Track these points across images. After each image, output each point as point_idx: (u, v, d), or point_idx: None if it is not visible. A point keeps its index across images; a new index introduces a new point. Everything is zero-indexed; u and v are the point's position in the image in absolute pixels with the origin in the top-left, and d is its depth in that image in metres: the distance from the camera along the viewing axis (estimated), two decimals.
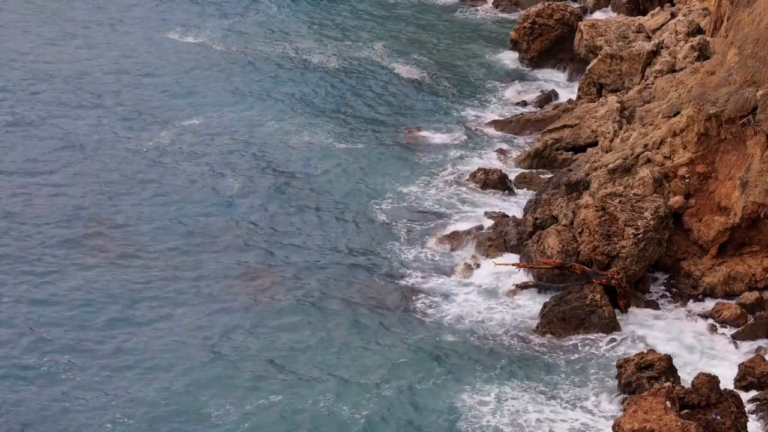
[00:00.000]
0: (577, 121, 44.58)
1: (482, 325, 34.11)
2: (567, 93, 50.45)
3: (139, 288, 35.06)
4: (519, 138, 46.38)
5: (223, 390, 30.54)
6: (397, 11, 62.22)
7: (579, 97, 48.04)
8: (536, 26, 54.33)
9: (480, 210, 40.09)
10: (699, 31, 46.30)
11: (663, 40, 46.65)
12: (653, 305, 34.99)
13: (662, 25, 48.72)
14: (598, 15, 57.29)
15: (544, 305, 34.51)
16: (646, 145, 38.06)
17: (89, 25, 57.61)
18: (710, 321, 34.09)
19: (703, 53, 43.48)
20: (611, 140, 41.22)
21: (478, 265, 36.67)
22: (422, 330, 33.64)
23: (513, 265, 36.18)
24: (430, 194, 41.43)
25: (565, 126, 44.73)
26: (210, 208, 40.08)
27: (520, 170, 43.51)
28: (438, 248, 37.89)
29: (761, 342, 32.98)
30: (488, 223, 38.98)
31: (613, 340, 33.40)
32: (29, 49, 53.90)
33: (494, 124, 47.56)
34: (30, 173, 41.81)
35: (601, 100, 45.68)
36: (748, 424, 28.50)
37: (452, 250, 37.75)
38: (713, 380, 28.53)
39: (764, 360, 31.28)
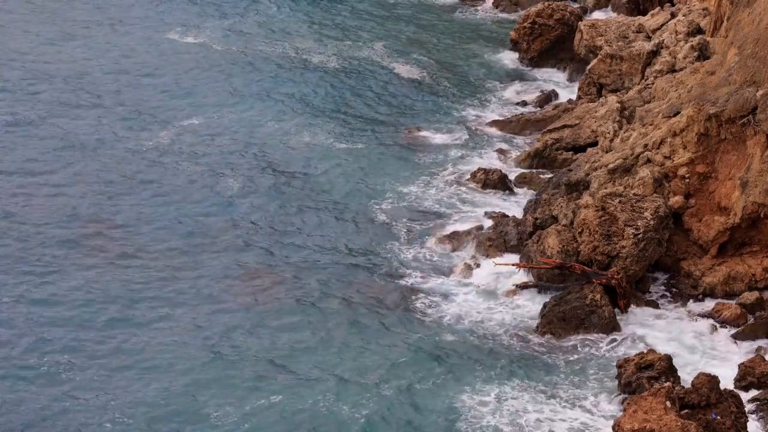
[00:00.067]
0: (577, 121, 44.59)
1: (482, 325, 34.11)
2: (567, 93, 50.46)
3: (139, 288, 35.05)
4: (519, 138, 46.39)
5: (222, 390, 30.53)
6: (397, 11, 62.23)
7: (579, 97, 48.05)
8: (536, 26, 54.34)
9: (480, 210, 40.09)
10: (699, 31, 46.30)
11: (663, 40, 46.65)
12: (653, 305, 34.99)
13: (662, 25, 48.72)
14: (598, 15, 57.29)
15: (544, 305, 34.50)
16: (646, 145, 38.06)
17: (89, 25, 57.61)
18: (710, 321, 34.09)
19: (703, 53, 43.49)
20: (611, 140, 41.22)
21: (478, 265, 36.67)
22: (422, 330, 33.64)
23: (513, 265, 36.17)
24: (430, 194, 41.43)
25: (565, 126, 44.73)
26: (210, 208, 40.08)
27: (520, 170, 43.51)
28: (438, 248, 37.88)
29: (761, 342, 32.98)
30: (488, 223, 38.97)
31: (613, 340, 33.39)
32: (29, 49, 53.90)
33: (494, 124, 47.56)
34: (30, 173, 41.80)
35: (601, 100, 45.68)
36: (748, 424, 28.51)
37: (452, 250, 37.74)
38: (713, 380, 28.53)
39: (764, 360, 31.28)
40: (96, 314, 33.63)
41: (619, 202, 35.93)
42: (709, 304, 34.83)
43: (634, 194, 36.49)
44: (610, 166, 38.23)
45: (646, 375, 30.27)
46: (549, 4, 54.98)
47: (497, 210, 39.86)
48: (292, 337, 33.11)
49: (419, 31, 58.99)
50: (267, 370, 31.51)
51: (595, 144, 42.64)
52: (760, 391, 30.38)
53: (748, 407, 29.39)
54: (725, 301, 34.79)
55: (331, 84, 51.40)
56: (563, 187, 39.05)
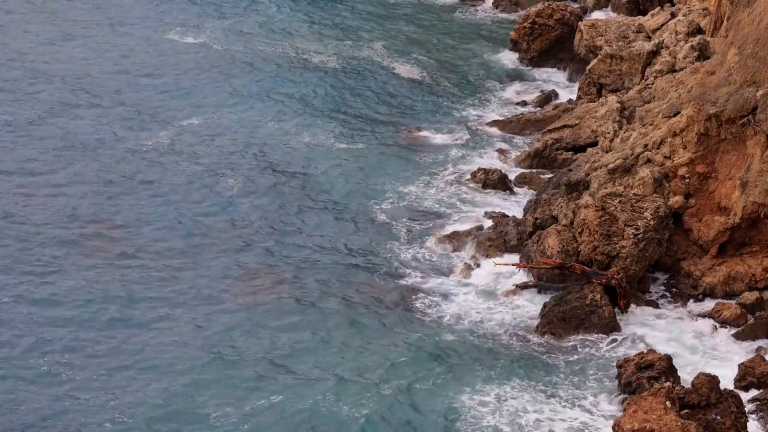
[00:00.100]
0: (577, 121, 44.58)
1: (482, 325, 34.10)
2: (567, 93, 50.46)
3: (138, 288, 35.04)
4: (519, 138, 46.39)
5: (222, 390, 30.52)
6: (397, 11, 62.22)
7: (579, 97, 48.04)
8: (536, 26, 54.34)
9: (480, 210, 40.08)
10: (699, 31, 46.30)
11: (663, 40, 46.65)
12: (653, 305, 34.99)
13: (662, 25, 48.72)
14: (598, 15, 57.29)
15: (544, 305, 34.49)
16: (646, 145, 38.06)
17: (89, 26, 57.59)
18: (710, 321, 34.08)
19: (703, 53, 43.48)
20: (611, 140, 41.22)
21: (477, 265, 36.66)
22: (422, 330, 33.63)
23: (513, 265, 36.16)
24: (430, 194, 41.42)
25: (565, 126, 44.73)
26: (210, 208, 40.06)
27: (520, 170, 43.50)
28: (438, 248, 37.87)
29: (761, 342, 32.97)
30: (488, 223, 38.96)
31: (613, 340, 33.39)
32: (29, 49, 53.89)
33: (494, 124, 47.56)
34: (30, 173, 41.79)
35: (601, 100, 45.68)
36: (748, 424, 28.50)
37: (452, 250, 37.72)
38: (713, 380, 28.52)
39: (764, 360, 31.27)
40: (96, 314, 33.63)
41: (619, 202, 35.93)
42: (709, 304, 34.83)
43: (634, 194, 36.49)
44: (610, 166, 38.23)
45: (646, 375, 30.26)
46: (549, 4, 54.99)
47: (497, 210, 39.85)
48: (292, 337, 33.10)
49: (419, 31, 58.99)
50: (267, 370, 31.50)
51: (595, 144, 42.64)
52: (760, 391, 30.38)
53: (748, 407, 29.39)
54: (725, 301, 34.79)
55: (331, 84, 51.40)
56: (563, 187, 39.04)
